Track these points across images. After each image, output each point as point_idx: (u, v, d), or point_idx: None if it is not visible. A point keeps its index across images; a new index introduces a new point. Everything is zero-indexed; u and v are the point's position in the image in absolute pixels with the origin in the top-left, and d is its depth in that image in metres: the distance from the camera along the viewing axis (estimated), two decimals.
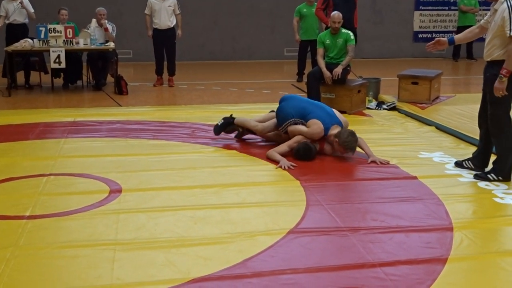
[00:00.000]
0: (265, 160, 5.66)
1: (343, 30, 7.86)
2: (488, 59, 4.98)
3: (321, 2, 9.22)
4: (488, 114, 5.03)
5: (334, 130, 5.67)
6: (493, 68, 4.90)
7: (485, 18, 5.20)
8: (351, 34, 7.88)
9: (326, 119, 5.75)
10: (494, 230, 4.05)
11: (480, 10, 14.16)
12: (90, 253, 3.62)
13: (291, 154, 5.67)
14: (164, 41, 10.28)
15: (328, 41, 7.90)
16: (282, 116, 5.96)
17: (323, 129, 5.68)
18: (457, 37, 5.48)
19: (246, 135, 6.48)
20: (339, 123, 5.77)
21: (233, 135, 6.56)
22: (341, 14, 7.90)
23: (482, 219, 4.25)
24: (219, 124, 6.49)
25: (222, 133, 6.49)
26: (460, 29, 13.98)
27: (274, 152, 5.65)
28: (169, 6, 10.18)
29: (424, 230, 4.01)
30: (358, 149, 5.72)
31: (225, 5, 14.06)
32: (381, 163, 5.49)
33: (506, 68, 4.73)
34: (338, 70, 7.73)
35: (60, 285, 3.25)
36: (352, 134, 5.57)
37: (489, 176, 5.05)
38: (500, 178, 5.03)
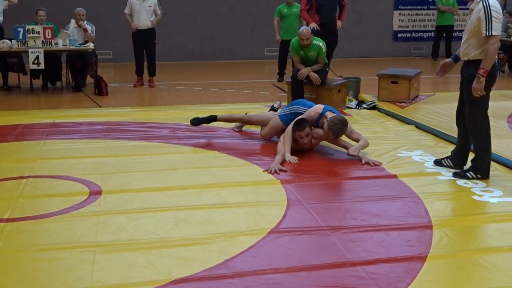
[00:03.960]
0: (246, 160, 5.66)
1: (314, 42, 7.85)
2: (465, 59, 5.02)
3: (305, 3, 9.24)
4: (466, 113, 5.07)
5: (330, 114, 5.79)
6: (470, 67, 4.95)
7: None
8: (323, 46, 7.86)
9: (328, 107, 6.01)
10: (473, 228, 4.09)
11: (458, 9, 14.31)
12: (70, 255, 3.60)
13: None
14: (143, 41, 10.23)
15: (301, 52, 7.92)
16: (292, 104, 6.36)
17: (320, 110, 5.87)
18: (458, 51, 5.33)
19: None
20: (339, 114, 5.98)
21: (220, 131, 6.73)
22: (309, 30, 7.91)
23: (461, 217, 4.29)
24: (200, 117, 6.70)
25: (203, 126, 6.74)
26: (438, 29, 14.14)
27: (281, 143, 5.74)
28: (149, 6, 10.13)
29: (404, 228, 4.04)
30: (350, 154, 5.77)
31: (205, 5, 14.03)
32: (374, 164, 5.51)
33: (483, 68, 4.78)
34: (311, 74, 7.79)
35: (39, 287, 3.23)
36: (343, 122, 5.67)
37: (467, 174, 5.10)
38: (479, 176, 5.08)
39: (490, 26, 4.73)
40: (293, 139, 5.74)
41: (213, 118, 6.70)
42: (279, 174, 5.22)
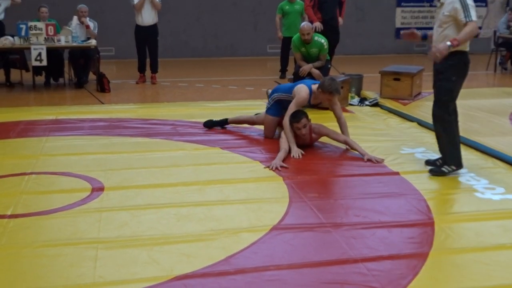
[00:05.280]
0: (248, 157, 5.67)
1: (316, 39, 7.85)
2: None
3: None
4: (433, 108, 5.12)
5: (315, 86, 5.88)
6: (447, 60, 4.88)
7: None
8: (325, 43, 7.86)
9: (308, 82, 6.06)
10: (475, 225, 4.08)
11: None
12: (72, 251, 3.61)
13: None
14: (146, 38, 10.23)
15: (303, 49, 7.91)
16: (271, 94, 6.39)
17: (307, 88, 5.88)
18: (430, 34, 5.43)
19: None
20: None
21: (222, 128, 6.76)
22: (310, 25, 7.91)
23: (463, 214, 4.28)
24: (213, 120, 6.74)
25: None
26: None
27: (285, 139, 5.74)
28: (151, 1, 10.11)
29: (406, 225, 4.04)
30: (352, 150, 5.79)
31: (207, 2, 14.03)
32: (376, 161, 5.51)
33: (458, 39, 4.74)
34: (313, 71, 7.78)
35: (42, 284, 3.24)
36: (332, 79, 5.82)
37: (443, 169, 5.09)
38: (453, 167, 5.08)
39: (468, 13, 4.75)
40: (293, 133, 5.75)
41: (225, 121, 6.77)
42: (280, 170, 5.22)
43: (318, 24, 8.90)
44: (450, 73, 4.94)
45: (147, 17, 10.11)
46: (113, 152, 5.79)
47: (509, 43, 12.11)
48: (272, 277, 3.31)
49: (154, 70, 10.45)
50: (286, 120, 5.79)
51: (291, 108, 5.84)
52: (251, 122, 6.71)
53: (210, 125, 6.77)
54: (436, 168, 5.15)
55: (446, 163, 5.11)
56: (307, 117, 5.75)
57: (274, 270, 3.38)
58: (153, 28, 10.23)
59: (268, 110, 6.36)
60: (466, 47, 4.94)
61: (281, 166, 5.29)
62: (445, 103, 5.02)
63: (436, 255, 3.59)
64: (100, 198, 4.54)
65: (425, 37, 5.41)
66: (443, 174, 5.08)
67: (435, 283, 3.27)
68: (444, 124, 5.07)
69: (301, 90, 5.91)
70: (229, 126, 6.81)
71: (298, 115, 5.72)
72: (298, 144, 5.76)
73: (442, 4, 4.95)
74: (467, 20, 4.76)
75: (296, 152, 5.63)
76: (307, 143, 5.87)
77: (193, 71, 12.02)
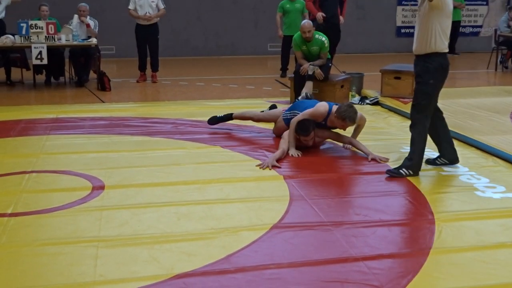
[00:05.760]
0: (249, 156, 5.67)
1: (317, 37, 7.85)
2: (423, 53, 4.90)
3: None
4: (411, 113, 5.03)
5: (335, 108, 5.72)
6: (426, 61, 4.87)
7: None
8: (326, 41, 7.86)
9: (331, 103, 5.88)
10: (475, 223, 4.08)
11: (465, 6, 14.34)
12: (73, 250, 3.62)
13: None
14: (147, 37, 10.23)
15: (304, 47, 7.92)
16: (290, 109, 6.22)
17: (328, 106, 5.73)
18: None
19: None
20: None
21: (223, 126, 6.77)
22: (310, 23, 7.91)
23: (464, 213, 4.29)
24: (217, 116, 6.70)
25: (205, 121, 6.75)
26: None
27: (286, 140, 5.71)
28: (152, 1, 10.13)
29: (406, 224, 4.06)
30: (355, 149, 5.80)
31: (208, 0, 14.03)
32: (381, 160, 5.49)
33: None
34: (315, 71, 7.78)
35: (42, 282, 3.24)
36: (350, 105, 5.64)
37: (401, 171, 4.99)
38: (411, 172, 5.00)
39: None
40: (296, 138, 5.74)
41: (229, 117, 6.72)
42: (270, 170, 5.19)
43: (320, 15, 8.91)
44: (428, 76, 4.88)
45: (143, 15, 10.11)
46: (113, 151, 5.80)
47: (510, 42, 12.12)
48: (272, 276, 3.32)
49: (154, 68, 10.46)
50: (293, 122, 5.73)
51: (304, 115, 5.75)
52: (256, 119, 6.69)
53: (214, 121, 6.74)
54: (394, 170, 5.04)
55: (407, 166, 5.02)
56: (314, 128, 5.69)
57: (275, 269, 3.39)
58: (154, 27, 10.24)
59: (285, 120, 6.15)
60: (444, 49, 4.88)
61: (273, 166, 5.27)
62: (424, 107, 4.95)
63: (436, 254, 3.59)
64: (100, 196, 4.55)
65: None
66: (400, 176, 4.98)
67: (435, 282, 3.27)
68: (419, 129, 4.98)
69: (322, 105, 5.80)
70: (231, 125, 6.80)
71: (308, 128, 5.63)
72: (301, 147, 5.75)
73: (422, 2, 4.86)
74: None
75: (295, 152, 5.63)
76: (310, 146, 5.85)
77: (193, 70, 12.03)
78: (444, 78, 5.01)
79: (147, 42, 10.28)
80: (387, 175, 5.03)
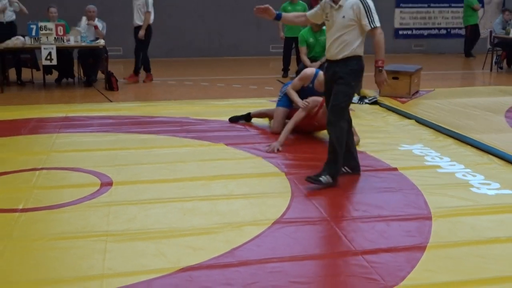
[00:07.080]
0: (252, 153, 5.76)
1: (324, 27, 7.96)
2: (339, 57, 4.77)
3: None
4: (329, 119, 4.78)
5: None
6: (347, 65, 4.77)
7: (312, 11, 5.08)
8: None
9: (319, 69, 6.36)
10: (471, 219, 4.13)
11: (480, 7, 14.52)
12: (82, 244, 3.67)
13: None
14: (135, 39, 10.33)
15: (311, 39, 8.00)
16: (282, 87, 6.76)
17: (314, 70, 6.27)
18: (284, 15, 5.21)
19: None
20: None
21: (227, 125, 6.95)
22: None
23: (460, 209, 4.33)
24: (237, 115, 7.01)
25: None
26: (473, 27, 14.16)
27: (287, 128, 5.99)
28: (139, 4, 10.12)
29: (404, 219, 4.11)
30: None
31: (211, 2, 14.12)
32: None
33: (380, 58, 4.74)
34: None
35: (53, 275, 3.30)
36: None
37: (320, 179, 4.73)
38: (329, 179, 4.74)
39: (372, 18, 4.66)
40: (302, 118, 6.00)
41: (248, 116, 7.02)
42: (275, 152, 5.60)
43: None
44: (351, 78, 4.78)
45: (135, 18, 10.19)
46: (121, 148, 5.88)
47: (505, 43, 12.20)
48: (274, 269, 3.37)
49: (144, 68, 10.51)
50: (289, 89, 6.26)
51: (293, 83, 6.24)
52: (269, 115, 6.88)
53: (234, 119, 7.02)
54: (314, 176, 4.75)
55: (326, 172, 4.76)
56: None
57: (277, 262, 3.44)
58: (137, 30, 10.19)
59: (278, 102, 6.55)
60: (361, 52, 4.84)
61: (278, 150, 5.68)
62: (343, 109, 4.78)
63: (433, 248, 3.64)
64: (109, 192, 4.62)
65: (278, 17, 5.11)
66: (319, 183, 4.72)
67: (432, 275, 3.31)
68: (338, 132, 4.73)
69: (308, 69, 6.26)
70: (235, 124, 6.95)
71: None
72: (299, 129, 6.06)
73: (339, 7, 4.69)
74: (372, 26, 4.64)
75: (275, 146, 5.79)
76: (308, 130, 6.05)
77: (198, 70, 12.11)
78: (360, 80, 4.95)
79: (135, 43, 10.37)
80: (307, 181, 4.75)
